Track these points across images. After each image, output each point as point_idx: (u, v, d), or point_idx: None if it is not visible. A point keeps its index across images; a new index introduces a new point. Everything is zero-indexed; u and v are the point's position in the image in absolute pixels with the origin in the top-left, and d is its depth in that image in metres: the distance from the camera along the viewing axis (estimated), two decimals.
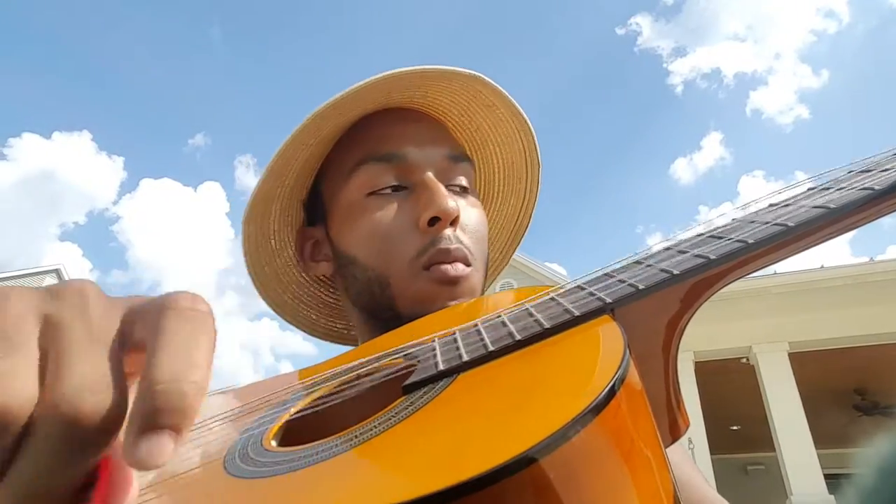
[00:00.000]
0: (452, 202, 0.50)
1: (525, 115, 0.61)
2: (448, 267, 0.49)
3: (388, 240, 0.50)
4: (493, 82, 0.57)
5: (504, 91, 0.58)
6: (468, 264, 0.51)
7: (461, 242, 0.51)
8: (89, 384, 0.17)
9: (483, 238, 0.55)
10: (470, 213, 0.54)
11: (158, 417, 0.16)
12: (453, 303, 0.50)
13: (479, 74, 0.56)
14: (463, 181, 0.56)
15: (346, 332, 0.68)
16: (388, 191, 0.52)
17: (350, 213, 0.53)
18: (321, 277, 0.64)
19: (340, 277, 0.56)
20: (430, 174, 0.52)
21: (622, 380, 0.21)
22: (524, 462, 0.17)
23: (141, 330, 0.19)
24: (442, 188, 0.51)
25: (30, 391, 0.17)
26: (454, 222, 0.51)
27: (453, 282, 0.50)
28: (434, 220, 0.50)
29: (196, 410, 0.17)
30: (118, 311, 0.20)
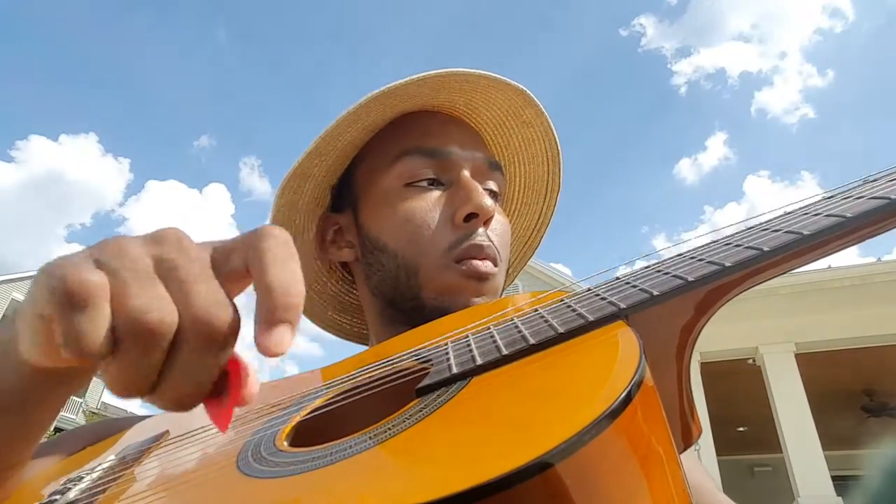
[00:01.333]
0: (489, 201, 0.52)
1: (557, 138, 0.63)
2: (479, 263, 0.51)
3: (422, 229, 0.52)
4: (537, 101, 0.60)
5: (545, 111, 0.61)
6: (496, 264, 0.53)
7: (492, 242, 0.53)
8: (213, 301, 0.22)
9: (508, 244, 0.57)
10: (499, 218, 0.56)
11: (281, 314, 0.21)
12: (477, 299, 0.51)
13: (527, 90, 0.59)
14: (495, 187, 0.58)
15: (349, 327, 0.70)
16: (425, 183, 0.54)
17: (386, 200, 0.54)
18: (334, 269, 0.65)
19: (363, 265, 0.57)
20: (467, 173, 0.54)
21: (639, 385, 0.21)
22: (540, 466, 0.17)
23: (237, 258, 0.23)
24: (480, 187, 0.53)
25: (173, 311, 0.21)
26: (487, 222, 0.53)
27: (482, 277, 0.51)
28: (470, 217, 0.52)
29: (301, 310, 0.22)
30: (207, 249, 0.24)
